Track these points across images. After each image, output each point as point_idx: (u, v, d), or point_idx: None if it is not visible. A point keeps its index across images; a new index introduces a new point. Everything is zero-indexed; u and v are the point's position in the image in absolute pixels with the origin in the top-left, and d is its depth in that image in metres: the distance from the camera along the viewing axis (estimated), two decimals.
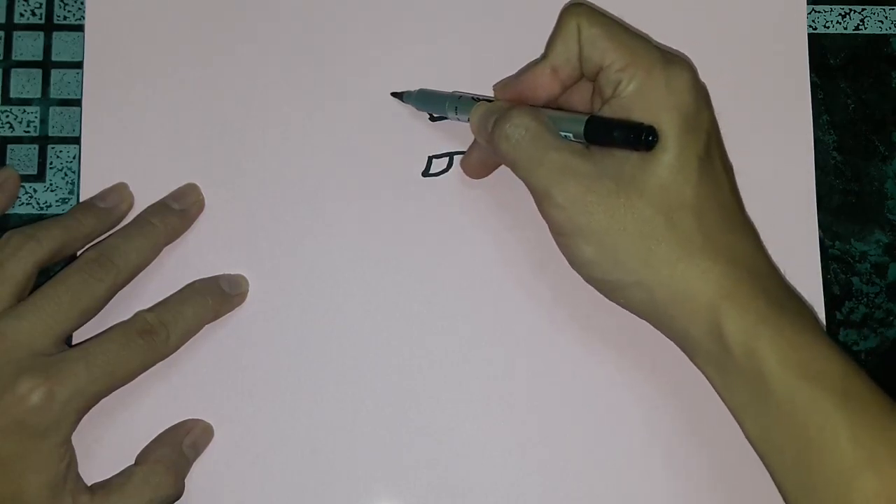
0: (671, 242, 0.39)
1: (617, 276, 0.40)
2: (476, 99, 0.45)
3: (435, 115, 0.48)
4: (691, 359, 0.41)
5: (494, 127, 0.42)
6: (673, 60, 0.41)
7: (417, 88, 0.48)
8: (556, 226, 0.41)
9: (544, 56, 0.43)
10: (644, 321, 0.42)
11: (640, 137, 0.39)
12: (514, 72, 0.46)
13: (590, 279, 0.42)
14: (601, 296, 0.42)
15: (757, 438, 0.40)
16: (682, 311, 0.40)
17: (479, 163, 0.47)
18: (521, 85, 0.44)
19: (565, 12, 0.43)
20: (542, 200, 0.41)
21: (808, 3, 0.50)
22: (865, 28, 0.50)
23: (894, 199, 0.49)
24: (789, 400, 0.38)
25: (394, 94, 0.48)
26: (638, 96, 0.40)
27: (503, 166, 0.45)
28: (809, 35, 0.49)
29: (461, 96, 0.45)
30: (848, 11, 0.50)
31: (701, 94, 0.41)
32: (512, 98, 0.44)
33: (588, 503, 0.45)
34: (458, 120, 0.46)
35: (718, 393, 0.41)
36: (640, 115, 0.40)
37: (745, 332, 0.39)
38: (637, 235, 0.39)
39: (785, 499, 0.40)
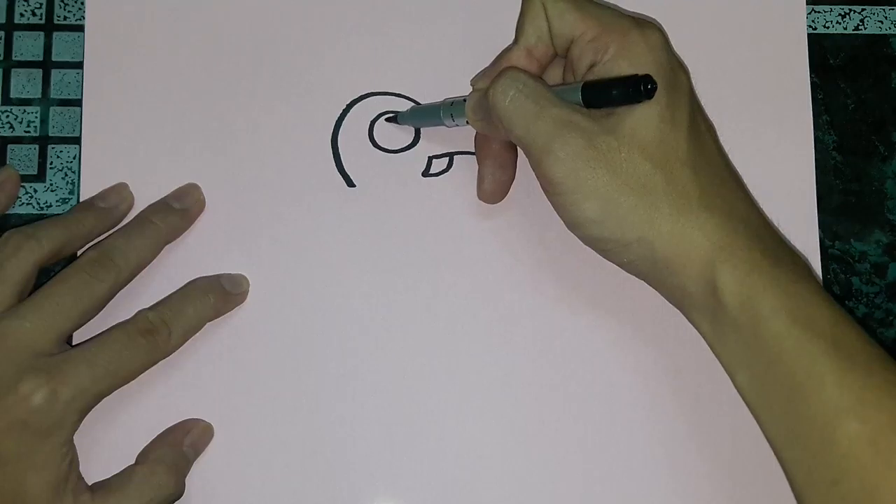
0: (671, 197, 0.39)
1: (619, 235, 0.40)
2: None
3: (428, 125, 0.48)
4: (687, 315, 0.41)
5: (490, 90, 0.41)
6: (644, 23, 0.41)
7: (409, 108, 0.48)
8: (557, 183, 0.40)
9: (516, 40, 0.43)
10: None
11: (640, 88, 0.38)
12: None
13: (590, 239, 0.41)
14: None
15: (747, 389, 0.40)
16: (680, 266, 0.40)
17: (492, 179, 0.45)
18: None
19: None
20: (542, 157, 0.40)
21: (807, 4, 0.50)
22: (865, 28, 0.50)
23: (894, 199, 0.49)
24: (778, 346, 0.38)
25: (388, 119, 0.48)
26: (620, 59, 0.40)
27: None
28: (809, 35, 0.50)
29: (453, 101, 0.45)
30: (848, 11, 0.50)
31: (674, 54, 0.42)
32: None
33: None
34: (456, 125, 0.46)
35: (711, 347, 0.41)
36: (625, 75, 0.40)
37: (740, 282, 0.39)
38: (639, 191, 0.39)
39: (773, 449, 0.40)
